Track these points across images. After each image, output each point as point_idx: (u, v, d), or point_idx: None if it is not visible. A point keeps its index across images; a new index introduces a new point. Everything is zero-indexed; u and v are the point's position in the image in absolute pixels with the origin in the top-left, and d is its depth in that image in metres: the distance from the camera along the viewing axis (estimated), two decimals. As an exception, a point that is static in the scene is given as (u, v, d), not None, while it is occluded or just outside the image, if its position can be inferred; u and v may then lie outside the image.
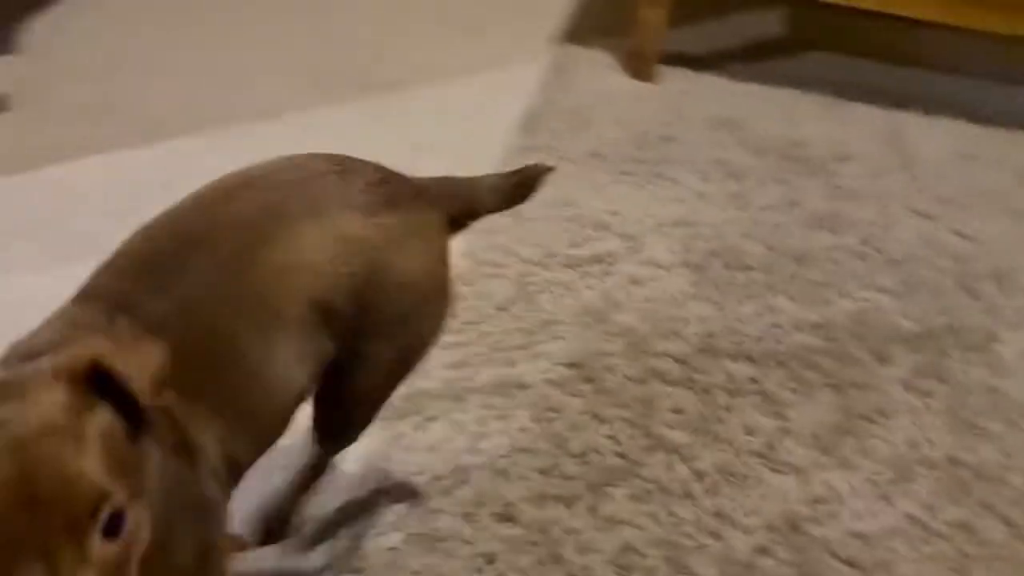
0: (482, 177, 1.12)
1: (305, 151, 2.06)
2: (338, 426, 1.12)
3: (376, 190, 0.99)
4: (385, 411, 1.42)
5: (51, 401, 0.64)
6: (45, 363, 0.67)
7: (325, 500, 1.30)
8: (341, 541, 1.26)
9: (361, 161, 1.03)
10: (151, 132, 1.94)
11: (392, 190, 1.01)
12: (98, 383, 0.67)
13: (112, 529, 0.63)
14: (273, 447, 0.98)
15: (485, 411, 1.44)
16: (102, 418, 0.66)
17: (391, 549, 1.26)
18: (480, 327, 1.58)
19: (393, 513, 1.29)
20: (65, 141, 1.86)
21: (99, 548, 0.62)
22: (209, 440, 0.86)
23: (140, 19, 2.30)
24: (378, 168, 1.03)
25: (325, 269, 0.93)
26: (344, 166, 1.00)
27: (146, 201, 1.87)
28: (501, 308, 1.62)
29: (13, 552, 0.59)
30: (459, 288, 1.63)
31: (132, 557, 0.65)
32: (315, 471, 1.23)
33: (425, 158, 1.96)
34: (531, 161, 1.98)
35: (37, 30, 2.17)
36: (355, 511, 1.29)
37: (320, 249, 0.93)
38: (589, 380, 1.50)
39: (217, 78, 2.14)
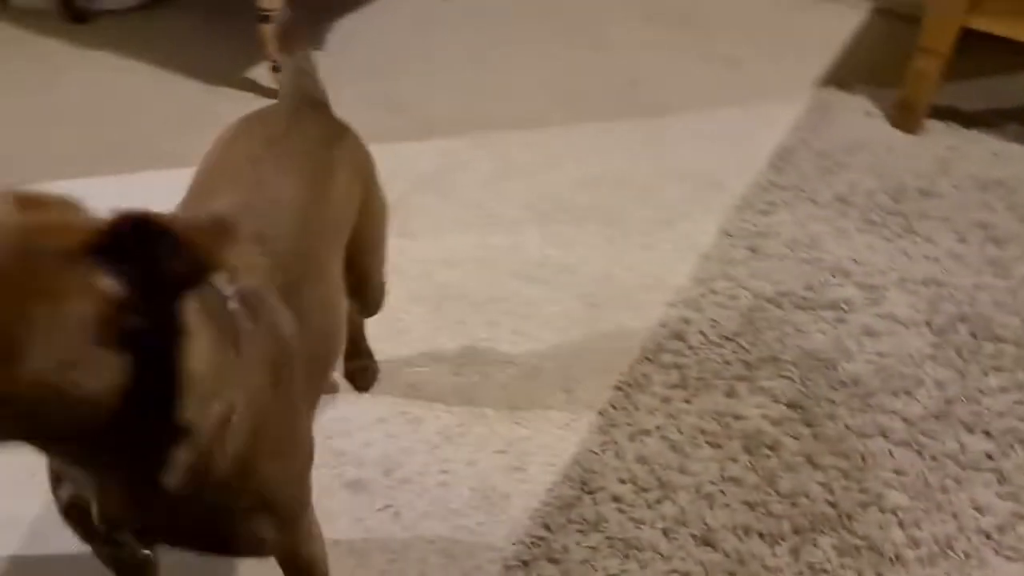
0: (293, 72, 1.27)
1: (555, 162, 2.18)
2: (375, 295, 1.37)
3: (321, 117, 1.21)
4: (600, 418, 1.49)
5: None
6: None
7: (531, 488, 1.38)
8: (542, 531, 1.33)
9: (289, 105, 1.22)
10: (426, 129, 2.12)
11: (324, 109, 1.25)
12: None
13: None
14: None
15: (699, 435, 1.46)
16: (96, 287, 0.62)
17: (590, 548, 1.31)
18: (702, 352, 1.60)
19: (595, 514, 1.34)
20: (354, 127, 2.08)
21: None
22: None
23: (429, 28, 2.52)
24: (301, 105, 1.22)
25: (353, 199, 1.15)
26: (280, 115, 1.19)
27: (418, 189, 2.06)
28: (727, 338, 1.63)
29: None
30: (686, 313, 1.68)
31: None
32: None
33: (672, 183, 2.01)
34: (777, 199, 1.98)
35: (344, 29, 2.44)
36: (558, 505, 1.35)
37: (351, 185, 1.15)
38: (808, 424, 1.48)
39: (487, 87, 2.30)
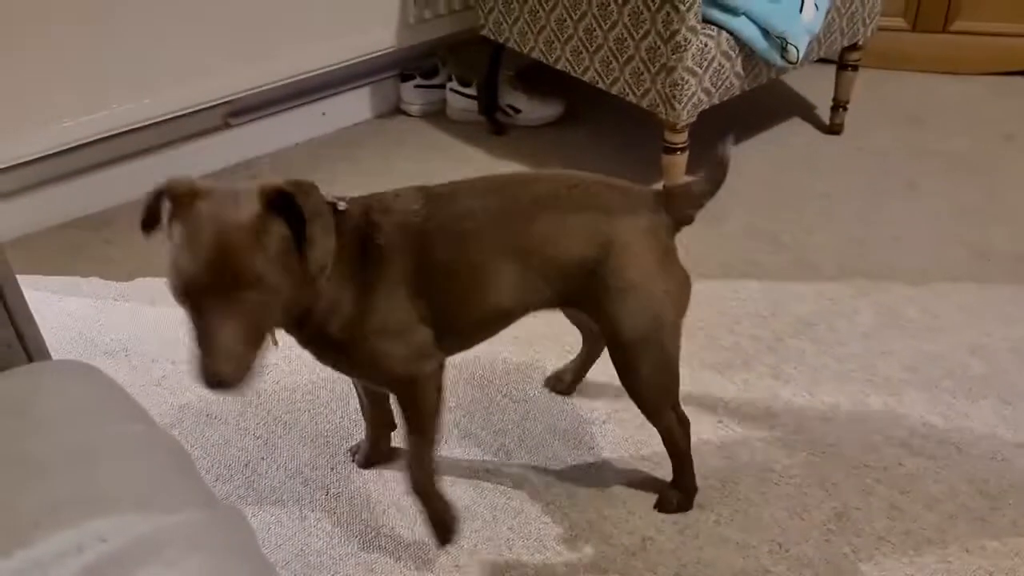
0: (692, 179, 1.39)
1: (946, 322, 2.04)
2: (627, 378, 1.41)
3: (626, 200, 1.34)
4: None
5: (249, 208, 1.03)
6: (254, 184, 1.06)
7: None
8: None
9: (627, 184, 1.38)
10: (808, 270, 2.10)
11: (637, 201, 1.34)
12: (285, 206, 1.05)
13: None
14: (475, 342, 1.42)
15: None
16: (278, 228, 1.04)
17: None
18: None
19: None
20: (735, 260, 2.12)
21: (243, 297, 1.02)
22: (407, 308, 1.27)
23: (820, 164, 2.49)
24: (632, 188, 1.38)
25: (571, 245, 1.31)
26: (611, 183, 1.37)
27: (794, 332, 2.03)
28: None
29: (201, 291, 1.00)
30: None
31: (260, 312, 1.04)
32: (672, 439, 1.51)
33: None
34: None
35: (733, 158, 2.50)
36: None
37: (575, 234, 1.31)
38: None
39: (878, 233, 2.22)
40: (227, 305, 1.00)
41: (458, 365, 1.83)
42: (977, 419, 1.71)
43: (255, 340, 1.04)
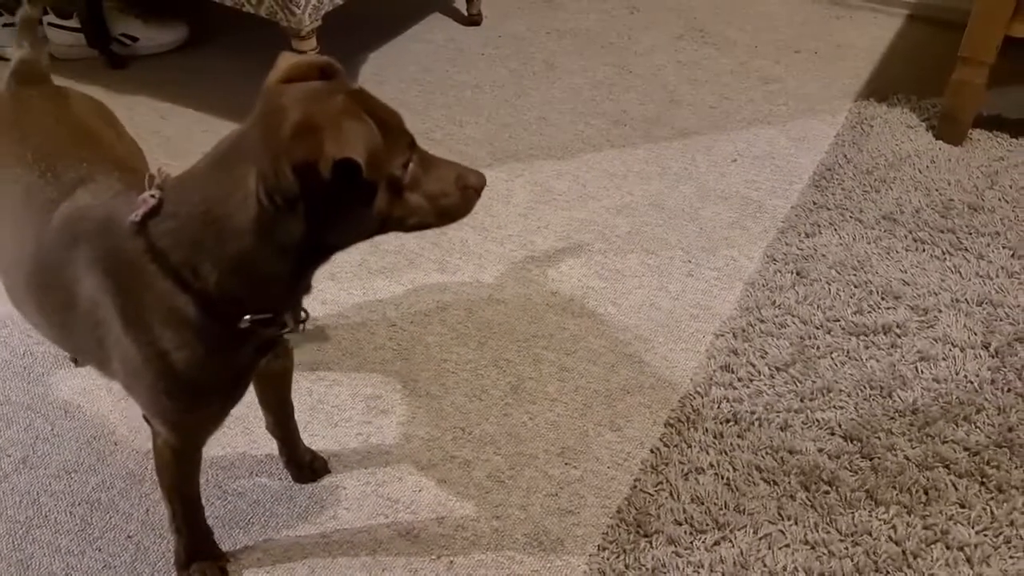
0: None
1: (592, 189, 2.14)
2: None
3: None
4: (653, 456, 1.46)
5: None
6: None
7: (585, 532, 1.36)
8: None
9: None
10: (461, 161, 2.10)
11: None
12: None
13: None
14: None
15: (754, 472, 1.43)
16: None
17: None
18: (754, 384, 1.57)
19: (652, 559, 1.32)
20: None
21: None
22: None
23: (460, 57, 2.51)
24: None
25: None
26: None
27: (464, 223, 2.04)
28: (777, 368, 1.60)
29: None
30: (734, 343, 1.65)
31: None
32: None
33: (713, 207, 1.99)
34: (822, 220, 1.92)
35: (377, 62, 2.45)
36: (614, 551, 1.33)
37: None
38: (867, 457, 1.45)
39: (521, 115, 2.29)
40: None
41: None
42: (627, 272, 1.83)
43: None
